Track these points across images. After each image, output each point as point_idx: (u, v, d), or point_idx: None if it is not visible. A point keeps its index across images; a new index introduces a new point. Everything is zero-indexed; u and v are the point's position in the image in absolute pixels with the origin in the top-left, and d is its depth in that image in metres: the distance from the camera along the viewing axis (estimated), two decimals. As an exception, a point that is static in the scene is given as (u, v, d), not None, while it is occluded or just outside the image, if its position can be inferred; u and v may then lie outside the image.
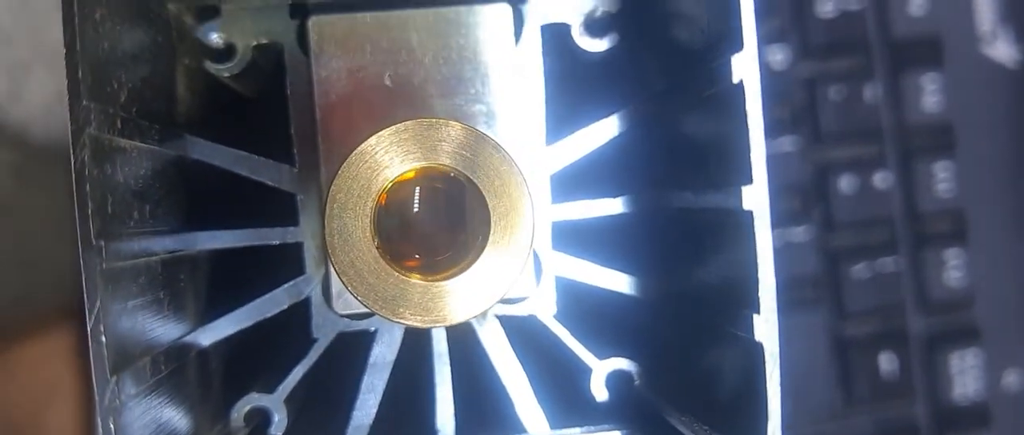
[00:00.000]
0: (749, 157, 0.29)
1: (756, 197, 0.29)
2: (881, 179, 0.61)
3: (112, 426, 0.27)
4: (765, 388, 0.29)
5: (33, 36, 0.65)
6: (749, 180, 0.29)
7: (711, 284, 0.34)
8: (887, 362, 0.60)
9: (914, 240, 0.61)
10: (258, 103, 0.40)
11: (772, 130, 0.60)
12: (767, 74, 0.60)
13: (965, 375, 0.61)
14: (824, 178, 0.60)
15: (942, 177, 0.61)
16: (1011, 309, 0.62)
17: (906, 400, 0.61)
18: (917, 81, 0.61)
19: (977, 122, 0.62)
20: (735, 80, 0.29)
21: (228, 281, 0.39)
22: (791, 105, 0.60)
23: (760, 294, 0.29)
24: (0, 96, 0.64)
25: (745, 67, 0.29)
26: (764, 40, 0.60)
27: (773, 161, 0.59)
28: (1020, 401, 0.62)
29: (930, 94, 0.61)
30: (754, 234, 0.29)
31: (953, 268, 0.61)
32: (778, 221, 0.59)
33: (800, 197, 0.60)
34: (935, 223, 0.61)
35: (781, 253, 0.59)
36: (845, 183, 0.60)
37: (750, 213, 0.29)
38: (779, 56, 0.60)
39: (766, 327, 0.29)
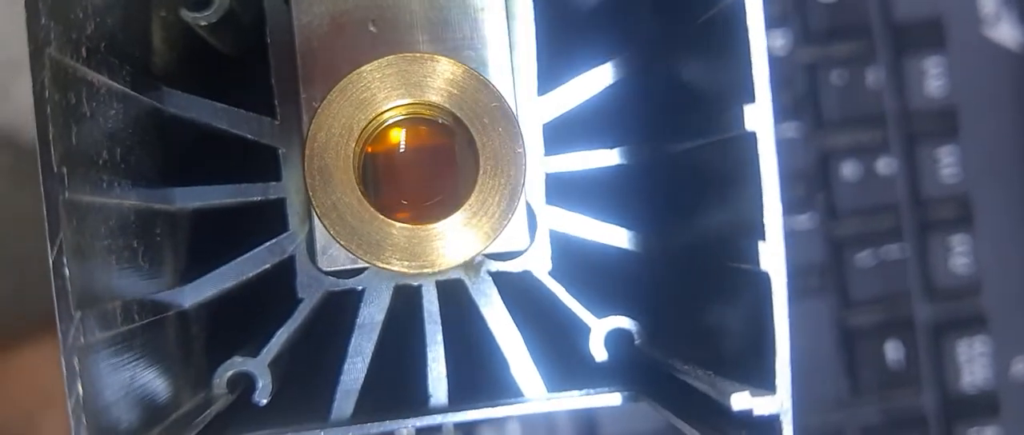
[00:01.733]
0: (751, 73, 0.27)
1: (760, 116, 0.27)
2: (885, 165, 0.60)
3: (77, 365, 0.26)
4: (771, 321, 0.27)
5: (23, 35, 0.64)
6: (751, 98, 0.28)
7: (714, 226, 0.33)
8: (893, 351, 0.59)
9: (919, 226, 0.60)
10: (238, 55, 0.38)
11: (774, 116, 0.59)
12: (768, 59, 0.59)
13: (973, 363, 0.60)
14: (827, 164, 0.60)
15: (947, 162, 0.60)
16: (1019, 295, 0.61)
17: (913, 389, 0.60)
18: (920, 65, 0.60)
19: (981, 106, 0.61)
20: (735, -6, 0.28)
21: (209, 239, 0.37)
22: (792, 91, 0.60)
23: (766, 219, 0.27)
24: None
25: (744, -22, 0.28)
26: (764, 24, 0.59)
27: (775, 147, 0.59)
28: (1030, 389, 0.61)
29: (933, 78, 0.60)
30: (758, 156, 0.27)
31: (959, 254, 0.60)
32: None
33: (803, 184, 0.60)
34: (940, 209, 0.60)
35: (784, 240, 0.58)
36: (848, 169, 0.60)
37: (753, 135, 0.28)
38: (780, 41, 0.60)
39: (773, 254, 0.27)
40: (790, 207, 0.59)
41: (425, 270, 0.31)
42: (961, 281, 0.60)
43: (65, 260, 0.26)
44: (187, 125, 0.36)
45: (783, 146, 0.58)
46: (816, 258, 0.59)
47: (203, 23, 0.36)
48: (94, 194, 0.28)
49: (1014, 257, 0.61)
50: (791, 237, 0.58)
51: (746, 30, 0.27)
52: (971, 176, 0.60)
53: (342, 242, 0.30)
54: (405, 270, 0.31)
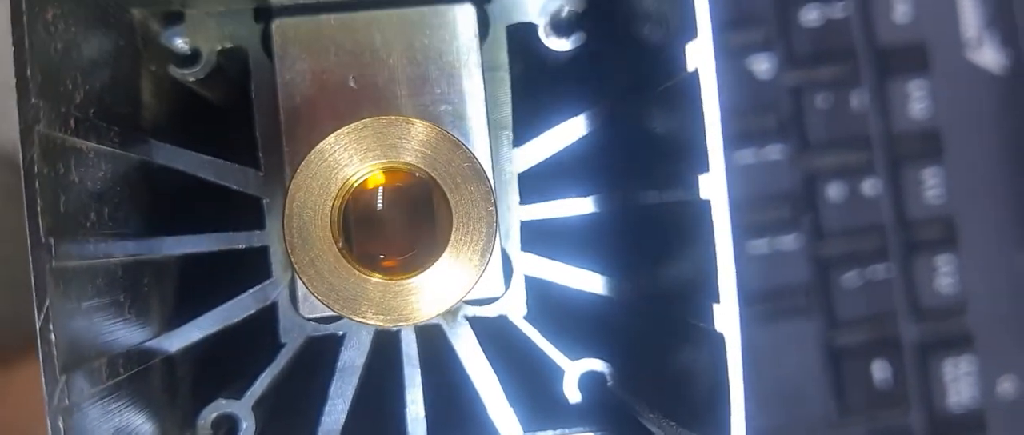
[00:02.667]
0: (705, 145, 0.28)
1: (713, 185, 0.29)
2: (870, 186, 0.61)
3: (61, 426, 0.27)
4: (727, 380, 0.28)
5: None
6: (706, 168, 0.29)
7: (677, 280, 0.34)
8: (880, 370, 0.60)
9: (905, 247, 0.61)
10: (225, 108, 0.40)
11: (759, 138, 0.60)
12: (752, 83, 0.60)
13: (959, 382, 0.61)
14: (812, 186, 0.60)
15: (931, 183, 0.61)
16: (1004, 315, 0.62)
17: (900, 409, 0.60)
18: (904, 88, 0.61)
19: (965, 128, 0.62)
20: (690, 68, 0.29)
21: (195, 286, 0.39)
22: (778, 114, 0.60)
23: (720, 283, 0.29)
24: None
25: (700, 55, 0.29)
26: (749, 49, 0.60)
27: (761, 170, 0.60)
28: (1016, 408, 0.62)
29: (917, 100, 0.61)
30: (712, 223, 0.29)
31: (945, 275, 0.61)
32: (767, 230, 0.59)
33: (789, 205, 0.60)
34: (925, 230, 0.61)
35: (771, 261, 0.59)
36: (834, 191, 0.60)
37: (707, 202, 0.29)
38: (765, 65, 0.60)
39: (727, 317, 0.29)
40: (776, 228, 0.60)
41: (400, 323, 0.32)
42: (947, 301, 0.61)
43: (52, 327, 0.27)
44: (174, 175, 0.37)
45: (769, 168, 0.60)
46: (802, 278, 0.60)
47: (191, 79, 0.37)
48: (81, 258, 0.30)
49: (999, 277, 0.62)
50: (777, 257, 0.59)
51: (701, 104, 0.28)
52: (955, 197, 0.61)
53: (320, 298, 0.32)
54: (381, 323, 0.32)
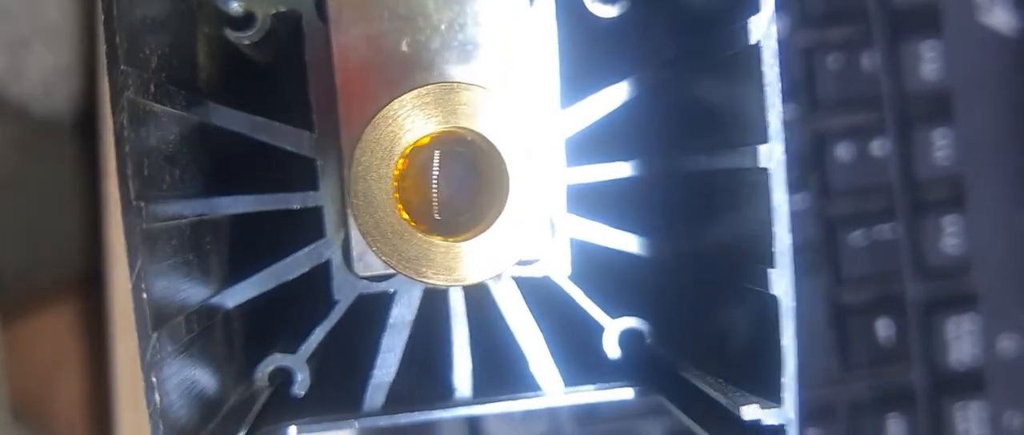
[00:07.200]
0: (765, 117, 0.30)
1: (772, 155, 0.30)
2: (879, 147, 0.61)
3: (154, 379, 0.28)
4: (779, 340, 0.30)
5: (32, 12, 0.66)
6: (764, 139, 0.30)
7: (724, 242, 0.35)
8: (884, 328, 0.61)
9: (912, 207, 0.61)
10: (275, 71, 0.40)
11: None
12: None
13: (961, 340, 0.62)
14: (822, 146, 0.61)
15: (940, 144, 0.61)
16: (1007, 275, 0.63)
17: (903, 366, 0.61)
18: (915, 49, 0.61)
19: (975, 90, 0.62)
20: (752, 41, 0.30)
21: (251, 245, 0.40)
22: (789, 74, 0.60)
23: (776, 249, 0.30)
24: (0, 71, 0.64)
25: (762, 28, 0.30)
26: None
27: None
28: (1014, 365, 0.63)
29: (928, 62, 0.61)
30: (770, 192, 0.30)
31: (950, 235, 0.61)
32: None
33: (798, 165, 0.61)
34: (933, 190, 0.62)
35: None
36: (842, 151, 0.61)
37: (766, 171, 0.30)
38: (777, 25, 0.60)
39: (782, 281, 0.30)
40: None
41: (459, 283, 0.33)
42: (952, 261, 0.61)
43: (143, 286, 0.28)
44: (230, 137, 0.38)
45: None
46: (810, 237, 0.60)
47: (246, 41, 0.38)
48: (161, 219, 0.31)
49: (1004, 237, 0.63)
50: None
51: (762, 76, 0.29)
52: (964, 158, 0.61)
53: (384, 258, 0.33)
54: (441, 283, 0.33)
